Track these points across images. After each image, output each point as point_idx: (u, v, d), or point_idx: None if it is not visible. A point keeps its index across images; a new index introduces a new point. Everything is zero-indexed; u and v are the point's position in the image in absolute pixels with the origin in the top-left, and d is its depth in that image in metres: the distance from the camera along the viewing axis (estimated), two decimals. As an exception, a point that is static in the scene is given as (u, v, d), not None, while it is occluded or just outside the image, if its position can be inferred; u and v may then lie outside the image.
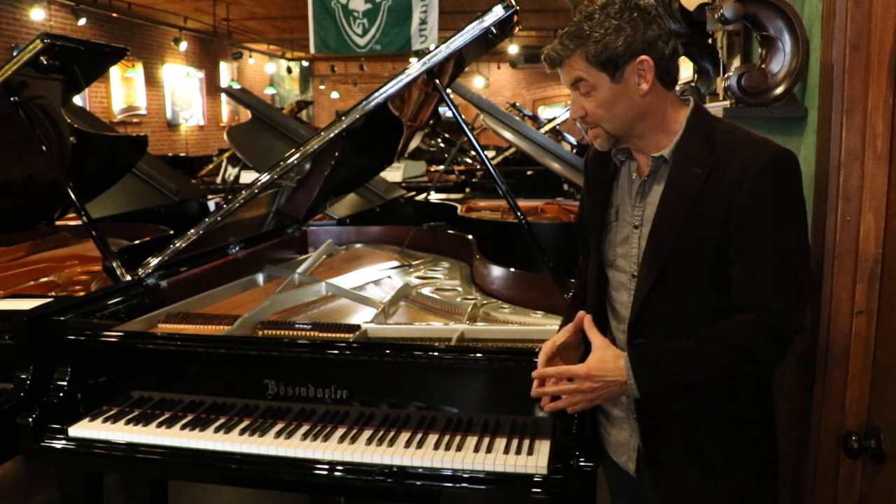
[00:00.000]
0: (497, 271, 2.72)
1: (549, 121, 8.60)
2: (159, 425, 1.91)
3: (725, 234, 1.38)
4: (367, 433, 1.83)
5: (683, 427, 1.46)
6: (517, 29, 2.74)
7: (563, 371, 1.44)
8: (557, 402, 1.45)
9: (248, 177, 6.13)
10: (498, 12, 2.38)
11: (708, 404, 1.45)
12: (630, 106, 1.42)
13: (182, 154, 12.12)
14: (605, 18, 1.38)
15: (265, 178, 2.53)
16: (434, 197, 5.88)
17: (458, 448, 1.75)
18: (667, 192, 1.43)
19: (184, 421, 1.92)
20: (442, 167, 7.42)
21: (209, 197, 5.66)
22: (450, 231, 3.46)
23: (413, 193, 5.79)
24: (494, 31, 2.46)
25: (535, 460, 1.69)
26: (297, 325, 2.19)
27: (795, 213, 1.38)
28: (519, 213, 2.57)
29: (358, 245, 3.53)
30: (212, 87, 14.53)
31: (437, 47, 2.46)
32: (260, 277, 2.81)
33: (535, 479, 1.68)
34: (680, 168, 1.43)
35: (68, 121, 3.05)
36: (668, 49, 1.41)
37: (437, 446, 1.76)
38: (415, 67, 2.44)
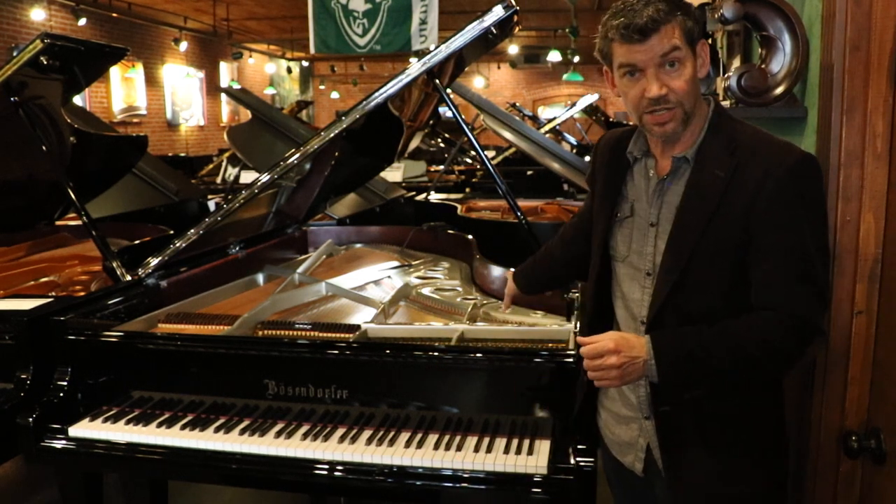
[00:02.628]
0: (497, 271, 2.72)
1: (549, 121, 8.59)
2: (159, 425, 1.91)
3: (746, 237, 1.37)
4: (367, 433, 1.83)
5: (699, 426, 1.45)
6: (517, 29, 2.75)
7: (592, 350, 1.39)
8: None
9: (248, 177, 6.13)
10: (498, 12, 2.38)
11: (723, 403, 1.44)
12: (698, 86, 1.42)
13: (182, 154, 12.12)
14: None
15: (265, 178, 2.53)
16: (434, 197, 5.88)
17: (458, 448, 1.75)
18: (688, 195, 1.42)
19: (184, 421, 1.92)
20: (442, 167, 7.41)
21: (209, 197, 5.66)
22: (450, 231, 3.46)
23: (413, 193, 5.78)
24: (494, 31, 2.47)
25: (535, 460, 1.69)
26: (297, 325, 2.19)
27: (817, 218, 1.38)
28: (519, 213, 2.57)
29: (358, 245, 3.53)
30: (212, 87, 14.53)
31: (437, 47, 2.46)
32: (260, 277, 2.81)
33: (536, 479, 1.68)
34: (702, 170, 1.42)
35: (68, 121, 3.05)
36: None
37: (437, 446, 1.76)
38: (415, 67, 2.44)
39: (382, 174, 4.72)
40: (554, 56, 12.95)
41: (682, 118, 1.40)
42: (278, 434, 1.84)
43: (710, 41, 2.26)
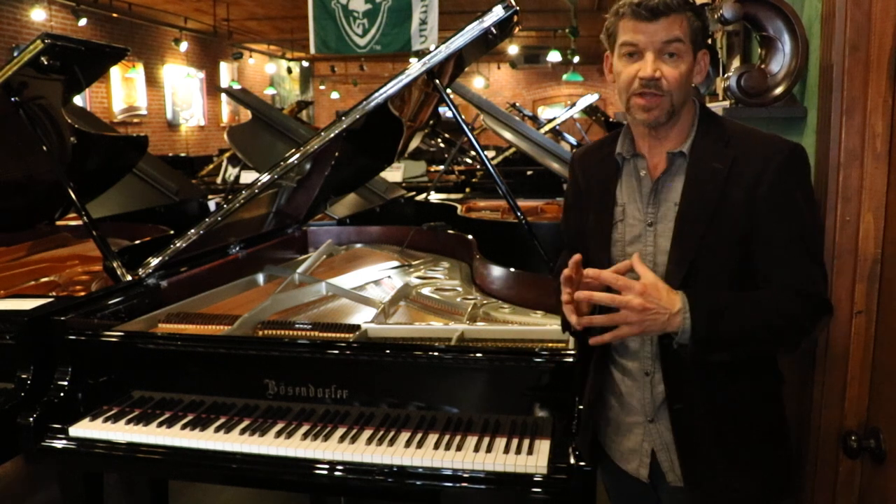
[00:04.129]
0: (497, 271, 2.72)
1: (549, 121, 8.58)
2: (160, 425, 1.91)
3: (748, 227, 1.40)
4: (367, 433, 1.83)
5: (712, 419, 1.45)
6: (517, 29, 2.75)
7: (619, 281, 1.32)
8: (603, 322, 1.35)
9: (248, 177, 6.13)
10: (498, 12, 2.38)
11: (732, 393, 1.45)
12: (689, 88, 1.45)
13: (182, 154, 12.12)
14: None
15: (265, 178, 2.53)
16: (434, 197, 5.87)
17: (458, 448, 1.76)
18: (689, 189, 1.44)
19: (184, 421, 1.92)
20: (442, 167, 7.41)
21: (209, 197, 5.66)
22: (450, 231, 3.46)
23: (413, 193, 5.78)
24: (494, 31, 2.47)
25: (535, 460, 1.70)
26: (297, 325, 2.19)
27: (812, 203, 1.44)
28: (519, 213, 2.57)
29: (358, 245, 3.53)
30: (212, 88, 14.53)
31: (437, 47, 2.46)
32: (260, 277, 2.81)
33: (535, 478, 1.68)
34: (699, 164, 1.44)
35: (69, 121, 3.05)
36: None
37: (437, 446, 1.76)
38: (415, 67, 2.44)
39: (382, 174, 4.72)
40: (554, 56, 12.94)
41: (669, 109, 1.42)
42: (278, 434, 1.84)
43: (709, 41, 2.26)
